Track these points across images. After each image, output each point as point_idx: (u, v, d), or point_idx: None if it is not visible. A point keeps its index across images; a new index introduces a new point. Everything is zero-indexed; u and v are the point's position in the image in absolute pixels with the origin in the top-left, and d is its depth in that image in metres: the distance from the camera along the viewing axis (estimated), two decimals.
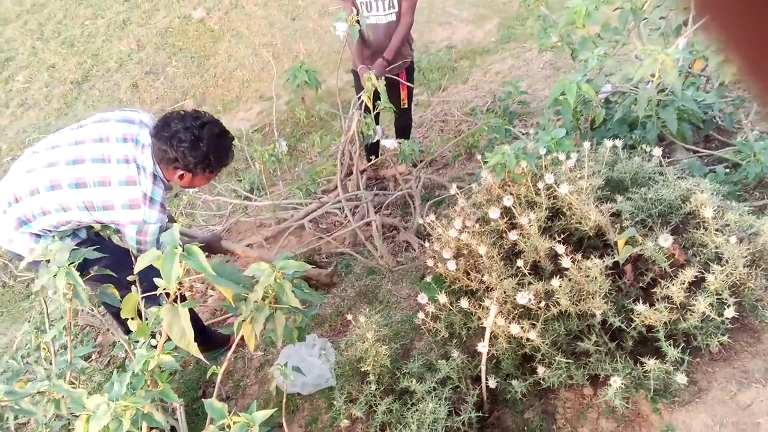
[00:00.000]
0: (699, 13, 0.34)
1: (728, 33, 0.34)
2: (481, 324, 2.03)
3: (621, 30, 2.93)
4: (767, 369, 1.90)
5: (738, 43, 0.34)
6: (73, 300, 1.65)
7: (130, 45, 7.45)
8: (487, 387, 2.02)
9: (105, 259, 2.06)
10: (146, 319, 1.65)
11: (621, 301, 2.00)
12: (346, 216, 3.42)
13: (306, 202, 3.78)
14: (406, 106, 3.83)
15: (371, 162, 3.81)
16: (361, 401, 2.15)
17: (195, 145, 2.16)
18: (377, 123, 3.42)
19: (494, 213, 2.10)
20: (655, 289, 1.91)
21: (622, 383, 1.76)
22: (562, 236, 2.07)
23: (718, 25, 0.34)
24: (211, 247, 2.94)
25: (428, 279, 2.56)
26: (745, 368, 1.93)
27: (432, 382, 2.08)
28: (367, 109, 3.17)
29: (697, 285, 1.88)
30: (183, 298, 2.33)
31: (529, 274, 2.07)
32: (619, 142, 2.37)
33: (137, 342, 1.66)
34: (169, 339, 1.44)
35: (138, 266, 1.22)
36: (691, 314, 1.83)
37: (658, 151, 2.25)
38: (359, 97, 3.20)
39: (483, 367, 1.99)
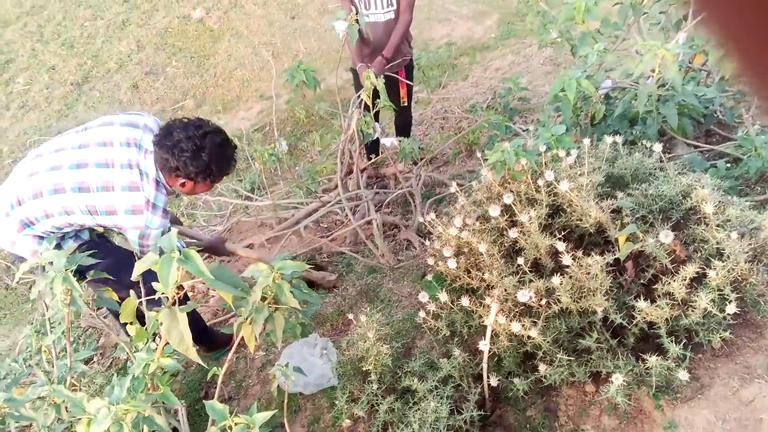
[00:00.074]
0: (698, 8, 0.34)
1: (727, 29, 0.34)
2: (483, 322, 2.03)
3: (621, 25, 2.92)
4: None
5: (737, 39, 0.34)
6: (71, 305, 1.65)
7: (130, 46, 7.44)
8: (489, 385, 2.01)
9: (107, 260, 2.07)
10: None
11: (622, 298, 1.99)
12: (347, 215, 3.42)
13: (307, 202, 3.77)
14: (405, 104, 3.82)
15: (371, 160, 3.81)
16: (363, 401, 2.15)
17: (197, 155, 2.16)
18: (377, 121, 3.41)
19: (494, 211, 2.09)
20: (656, 286, 1.90)
21: (624, 380, 1.75)
22: (563, 233, 2.06)
23: (716, 20, 0.33)
24: (214, 249, 2.94)
25: (429, 277, 2.55)
26: (747, 364, 1.92)
27: (433, 380, 2.08)
28: (366, 108, 3.16)
29: (698, 281, 1.87)
30: (186, 299, 2.33)
31: (530, 271, 2.07)
32: (619, 138, 2.36)
33: (139, 344, 1.66)
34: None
35: (136, 271, 1.22)
36: (692, 310, 1.83)
37: (658, 147, 2.24)
38: (359, 96, 3.19)
39: (484, 366, 1.98)
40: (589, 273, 1.91)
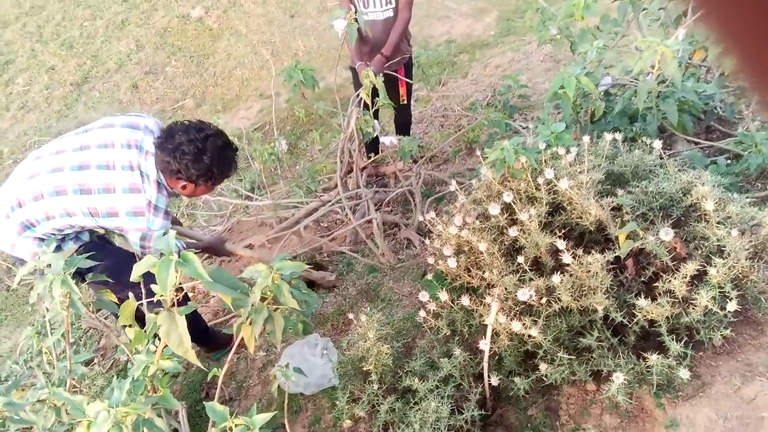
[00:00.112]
0: (697, 4, 0.33)
1: (726, 26, 0.33)
2: (483, 321, 2.02)
3: (620, 22, 2.91)
4: None
5: (736, 37, 0.33)
6: (70, 308, 1.65)
7: (129, 45, 7.44)
8: (490, 384, 2.01)
9: (107, 261, 2.07)
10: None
11: (623, 296, 1.99)
12: (347, 214, 3.41)
13: (307, 201, 3.77)
14: (405, 102, 3.81)
15: (371, 159, 3.80)
16: (364, 401, 2.14)
17: (198, 157, 2.16)
18: (376, 120, 3.41)
19: (494, 209, 2.09)
20: (657, 284, 1.90)
21: (625, 379, 1.74)
22: (563, 231, 2.05)
23: (715, 17, 0.33)
24: (214, 250, 2.94)
25: (429, 276, 2.55)
26: (748, 361, 1.91)
27: (434, 380, 2.07)
28: (366, 106, 3.15)
29: (699, 278, 1.87)
30: (186, 299, 2.33)
31: (530, 270, 2.06)
32: (619, 135, 2.35)
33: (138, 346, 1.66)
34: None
35: (134, 273, 1.22)
36: (693, 308, 1.82)
37: (658, 144, 2.23)
38: (358, 94, 3.18)
39: (485, 365, 1.98)
40: (589, 271, 1.91)
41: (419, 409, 2.00)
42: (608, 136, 2.30)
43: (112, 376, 3.04)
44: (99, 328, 3.60)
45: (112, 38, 7.63)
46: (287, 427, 2.03)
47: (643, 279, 2.02)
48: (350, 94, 3.49)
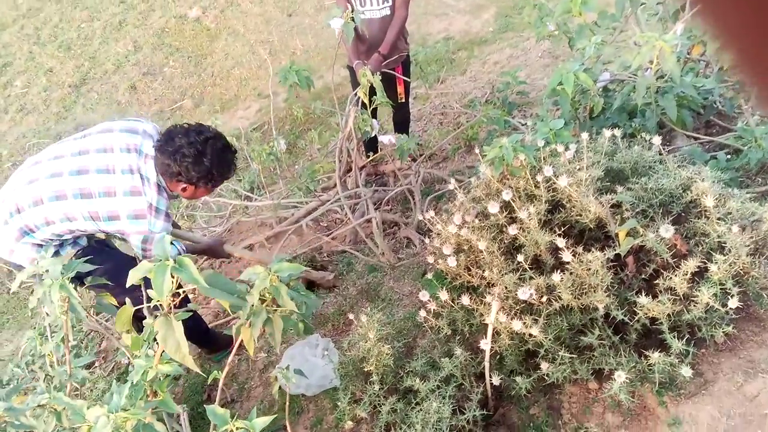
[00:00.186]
0: (695, 0, 0.33)
1: (723, 23, 0.33)
2: (484, 320, 2.01)
3: (618, 17, 2.89)
4: None
5: (733, 34, 0.33)
6: (69, 312, 1.64)
7: (127, 46, 7.43)
8: (491, 384, 2.00)
9: (106, 265, 2.06)
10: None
11: (623, 294, 1.98)
12: (347, 213, 3.41)
13: (306, 201, 3.76)
14: (403, 100, 3.80)
15: (370, 158, 3.79)
16: (365, 401, 2.14)
17: (198, 160, 2.17)
18: (375, 118, 3.40)
19: (493, 207, 2.08)
20: (657, 281, 1.89)
21: (626, 377, 1.74)
22: (563, 229, 2.05)
23: (712, 14, 0.33)
24: (213, 252, 2.94)
25: (429, 275, 2.54)
26: (751, 358, 1.90)
27: (436, 380, 2.06)
28: (364, 105, 3.14)
29: (700, 275, 1.86)
30: (187, 301, 2.33)
31: (530, 268, 2.05)
32: (618, 131, 2.34)
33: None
34: None
35: (130, 279, 1.21)
36: (694, 305, 1.81)
37: (657, 140, 2.22)
38: (356, 93, 3.17)
39: (486, 364, 1.97)
40: (589, 269, 1.90)
41: (421, 409, 1.99)
42: (607, 133, 2.30)
43: (114, 379, 3.04)
44: (100, 331, 3.60)
45: (109, 39, 7.62)
46: (289, 428, 2.03)
47: (643, 276, 2.01)
48: (348, 93, 3.48)
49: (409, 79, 3.78)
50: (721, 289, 1.80)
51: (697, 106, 2.76)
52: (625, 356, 1.88)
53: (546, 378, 1.94)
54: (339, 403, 2.20)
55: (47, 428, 1.68)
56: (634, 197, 2.14)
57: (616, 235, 1.96)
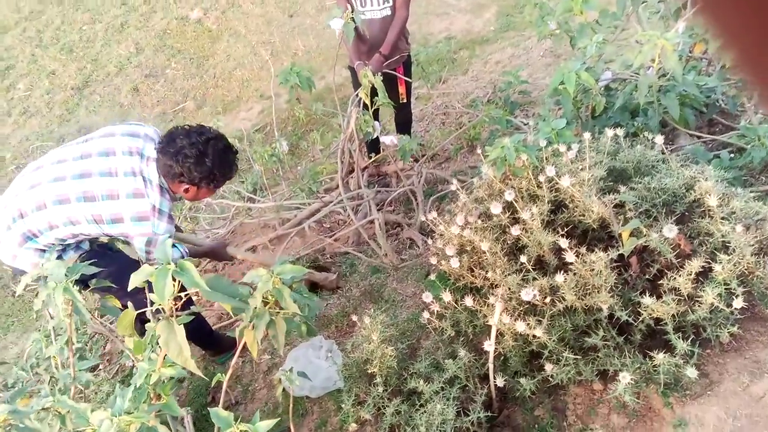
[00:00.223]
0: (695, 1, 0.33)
1: (723, 23, 0.33)
2: (487, 322, 2.01)
3: (619, 15, 2.88)
4: None
5: (734, 35, 0.33)
6: (73, 315, 1.64)
7: (129, 48, 7.43)
8: (496, 385, 2.00)
9: (109, 268, 2.06)
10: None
11: (627, 295, 1.97)
12: (349, 215, 3.40)
13: (309, 202, 3.76)
14: (405, 100, 3.80)
15: (372, 159, 3.79)
16: (369, 403, 2.14)
17: (200, 160, 2.18)
18: (376, 119, 3.39)
19: (496, 208, 2.07)
20: (661, 281, 1.88)
21: (631, 378, 1.73)
22: (566, 230, 2.04)
23: (713, 13, 0.33)
24: (216, 254, 2.94)
25: (432, 277, 2.53)
26: (756, 358, 1.89)
27: (439, 382, 2.06)
28: (365, 106, 3.14)
29: (704, 275, 1.85)
30: (190, 303, 2.33)
31: (534, 269, 2.04)
32: (620, 131, 2.33)
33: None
34: None
35: (132, 283, 1.21)
36: (699, 305, 1.80)
37: (660, 139, 2.21)
38: (357, 94, 3.17)
39: (490, 366, 1.97)
40: (593, 270, 1.89)
41: (425, 411, 1.99)
42: (609, 132, 2.29)
43: (118, 382, 3.04)
44: (104, 333, 3.60)
45: (111, 42, 7.63)
46: (293, 430, 2.03)
47: (647, 277, 2.00)
48: (350, 94, 3.47)
49: (410, 80, 3.78)
50: (725, 289, 1.79)
51: (699, 105, 2.75)
52: (630, 357, 1.87)
53: (550, 379, 1.94)
54: (343, 405, 2.20)
55: (51, 431, 1.68)
56: (637, 197, 2.13)
57: (620, 235, 1.96)
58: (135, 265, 2.31)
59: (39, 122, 6.72)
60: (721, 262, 1.79)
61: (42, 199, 2.14)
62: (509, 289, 2.00)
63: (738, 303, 1.72)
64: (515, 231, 2.05)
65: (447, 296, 2.06)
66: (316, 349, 2.64)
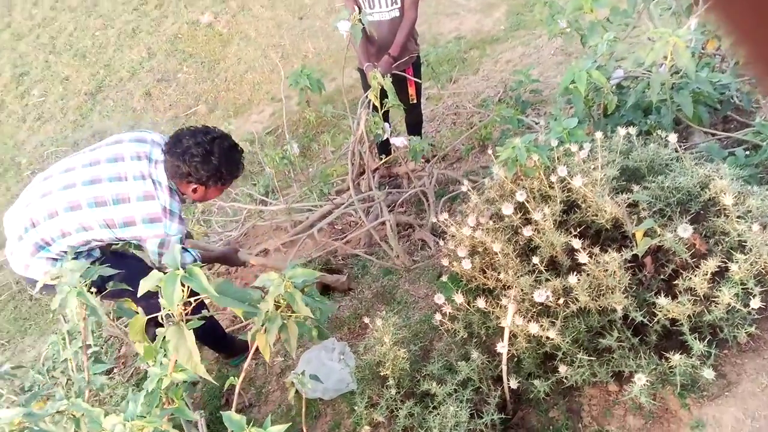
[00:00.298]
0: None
1: (735, 21, 0.33)
2: (500, 323, 2.00)
3: (630, 13, 2.86)
4: None
5: (745, 31, 0.33)
6: (87, 319, 1.65)
7: (141, 53, 7.49)
8: (509, 387, 1.98)
9: (121, 273, 2.07)
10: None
11: (642, 295, 1.95)
12: (360, 216, 3.40)
13: (320, 204, 3.76)
14: (414, 101, 3.79)
15: (383, 161, 3.78)
16: (382, 406, 2.13)
17: (207, 159, 2.20)
18: (386, 121, 3.39)
19: (507, 209, 2.06)
20: (677, 281, 1.86)
21: (647, 380, 1.71)
22: (579, 230, 2.02)
23: (724, 11, 0.33)
24: (228, 259, 2.95)
25: (444, 278, 2.52)
26: None
27: (453, 384, 2.05)
28: (375, 108, 3.13)
29: (720, 275, 1.82)
30: (203, 306, 2.34)
31: (546, 270, 2.03)
32: (633, 129, 2.31)
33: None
34: None
35: (141, 288, 1.21)
36: (715, 306, 1.78)
37: (673, 137, 2.18)
38: (366, 96, 3.17)
39: (504, 368, 1.95)
40: (606, 270, 1.87)
41: (438, 413, 1.98)
42: (622, 131, 2.27)
43: (133, 385, 3.06)
44: (120, 336, 3.62)
45: (123, 47, 7.69)
46: None
47: (662, 277, 1.98)
48: (360, 96, 3.47)
49: (420, 81, 3.77)
50: (742, 288, 1.77)
51: (713, 102, 2.72)
52: (645, 358, 1.85)
53: (565, 381, 1.92)
54: (356, 408, 2.19)
55: None
56: (651, 196, 2.11)
57: (633, 235, 1.93)
58: (147, 269, 2.32)
59: (53, 128, 6.79)
60: (737, 262, 1.76)
61: (53, 207, 2.16)
62: (522, 290, 1.99)
63: (755, 303, 1.69)
64: (527, 232, 2.03)
65: (459, 298, 2.05)
66: (328, 351, 2.64)
